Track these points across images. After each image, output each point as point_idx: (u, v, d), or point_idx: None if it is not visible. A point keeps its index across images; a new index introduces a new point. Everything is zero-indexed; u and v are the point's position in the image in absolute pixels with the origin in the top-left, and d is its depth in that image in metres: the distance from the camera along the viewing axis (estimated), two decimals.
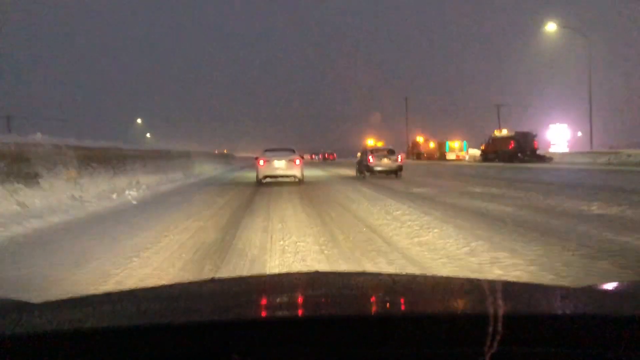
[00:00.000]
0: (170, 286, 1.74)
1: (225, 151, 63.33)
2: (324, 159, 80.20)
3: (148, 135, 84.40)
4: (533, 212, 7.48)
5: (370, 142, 54.99)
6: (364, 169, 19.02)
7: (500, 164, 32.85)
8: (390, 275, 1.99)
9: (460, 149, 51.61)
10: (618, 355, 0.83)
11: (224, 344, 0.85)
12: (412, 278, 1.81)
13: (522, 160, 34.77)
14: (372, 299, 1.21)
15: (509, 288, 1.32)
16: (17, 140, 7.94)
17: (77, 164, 9.32)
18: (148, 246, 5.23)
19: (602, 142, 36.79)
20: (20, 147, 7.76)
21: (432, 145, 54.71)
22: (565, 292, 1.30)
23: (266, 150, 15.63)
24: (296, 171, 15.06)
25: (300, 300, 1.23)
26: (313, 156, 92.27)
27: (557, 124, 53.94)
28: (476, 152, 44.96)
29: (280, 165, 14.97)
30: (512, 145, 36.88)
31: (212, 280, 1.56)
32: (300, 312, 1.10)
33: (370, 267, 4.22)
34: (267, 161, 14.95)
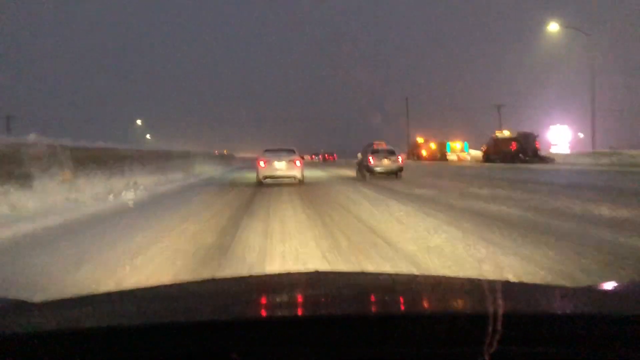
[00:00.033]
0: (170, 286, 1.76)
1: (225, 152, 63.07)
2: (324, 159, 79.98)
3: (148, 136, 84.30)
4: (542, 215, 7.24)
5: (371, 142, 54.77)
6: (364, 169, 18.88)
7: (502, 165, 32.58)
8: (390, 274, 1.98)
9: (462, 150, 51.33)
10: (618, 354, 0.82)
11: (223, 344, 0.84)
12: (412, 278, 1.83)
13: (523, 161, 34.49)
14: (372, 299, 1.20)
15: (509, 288, 1.31)
16: (8, 141, 7.71)
17: (73, 165, 9.08)
18: (141, 251, 5.00)
19: (602, 142, 36.53)
20: (12, 147, 7.53)
21: (433, 146, 54.43)
22: (565, 292, 1.31)
23: (266, 151, 15.52)
24: (296, 172, 14.99)
25: (300, 299, 1.22)
26: (313, 157, 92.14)
27: (558, 125, 53.78)
28: (477, 153, 44.68)
29: (280, 166, 14.89)
30: (514, 146, 36.59)
31: (212, 280, 1.61)
32: (300, 311, 1.09)
33: None
34: (268, 162, 14.88)
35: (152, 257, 4.68)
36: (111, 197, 9.87)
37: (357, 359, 0.85)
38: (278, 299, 1.23)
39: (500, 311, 0.82)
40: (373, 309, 1.12)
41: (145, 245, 5.27)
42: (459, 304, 1.12)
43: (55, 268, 4.32)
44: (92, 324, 0.97)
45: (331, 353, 0.84)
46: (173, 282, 2.71)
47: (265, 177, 14.99)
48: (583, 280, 3.63)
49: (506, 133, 39.86)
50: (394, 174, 18.28)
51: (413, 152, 56.80)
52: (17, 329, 0.93)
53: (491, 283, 1.28)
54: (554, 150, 45.13)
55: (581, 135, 56.26)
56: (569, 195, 10.13)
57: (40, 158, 7.96)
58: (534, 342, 0.84)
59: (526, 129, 39.34)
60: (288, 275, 1.78)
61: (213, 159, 34.26)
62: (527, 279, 3.66)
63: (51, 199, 7.84)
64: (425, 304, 1.15)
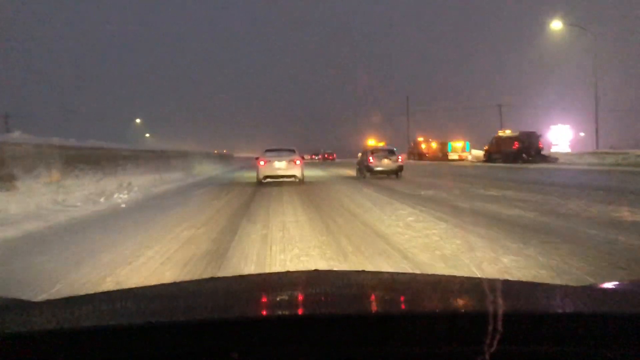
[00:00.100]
0: (170, 285, 1.75)
1: (225, 151, 62.70)
2: (324, 159, 79.64)
3: (147, 135, 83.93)
4: (559, 219, 6.78)
5: (372, 142, 54.35)
6: (364, 169, 18.91)
7: (505, 165, 32.14)
8: (390, 273, 1.97)
9: (463, 150, 50.85)
10: (618, 353, 0.82)
11: (223, 343, 0.84)
12: (412, 277, 1.84)
13: (526, 161, 34.06)
14: (372, 298, 1.19)
15: (509, 287, 1.29)
16: None
17: (61, 165, 8.59)
18: (129, 260, 4.54)
19: (603, 142, 36.10)
20: None
21: (434, 145, 53.97)
22: (565, 291, 1.29)
23: (267, 151, 15.54)
24: (296, 171, 14.94)
25: (300, 298, 1.21)
26: (313, 156, 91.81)
27: (559, 125, 53.46)
28: (479, 153, 44.18)
29: (280, 166, 14.86)
30: (517, 145, 36.13)
31: (212, 279, 1.67)
32: (300, 310, 1.08)
33: None
34: (268, 161, 14.90)
35: (139, 268, 4.21)
36: (102, 199, 9.38)
37: (357, 358, 0.84)
38: (278, 298, 1.21)
39: (501, 310, 0.82)
40: (373, 308, 1.10)
41: (133, 254, 4.80)
42: (459, 303, 1.11)
43: (18, 287, 3.84)
44: (92, 323, 0.96)
45: (331, 352, 0.84)
46: (173, 282, 2.68)
47: (266, 177, 14.91)
48: None
49: (509, 132, 39.41)
50: (394, 173, 18.28)
51: (414, 151, 56.32)
52: (17, 328, 0.92)
53: (491, 282, 1.27)
54: (554, 149, 44.73)
55: (583, 134, 55.98)
56: (582, 197, 9.67)
57: (25, 157, 7.48)
58: (534, 342, 0.84)
59: (527, 128, 38.91)
60: (288, 274, 1.73)
61: (212, 159, 33.78)
62: None
63: (36, 202, 7.35)
64: (426, 303, 1.13)
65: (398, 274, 2.11)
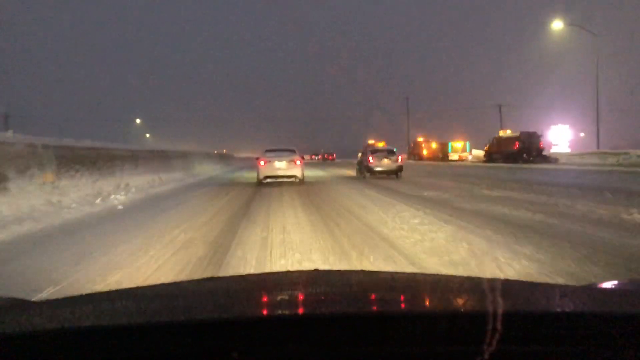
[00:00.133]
0: (170, 284, 1.75)
1: (225, 151, 62.49)
2: (324, 159, 79.53)
3: (147, 135, 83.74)
4: (568, 221, 6.57)
5: (372, 142, 54.11)
6: (364, 169, 18.90)
7: (506, 165, 31.94)
8: (390, 273, 1.97)
9: (463, 150, 50.68)
10: (617, 353, 0.82)
11: (223, 342, 0.84)
12: (412, 276, 1.83)
13: (527, 161, 33.89)
14: (372, 297, 1.18)
15: (508, 286, 1.28)
16: None
17: (56, 166, 8.37)
18: (119, 266, 4.33)
19: (603, 142, 35.91)
20: None
21: (434, 145, 53.77)
22: (565, 291, 1.28)
23: (267, 151, 15.55)
24: (297, 171, 14.95)
25: (300, 298, 1.20)
26: (313, 157, 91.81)
27: (559, 125, 53.35)
28: (479, 153, 43.98)
29: (281, 166, 14.87)
30: (517, 145, 35.97)
31: (212, 278, 1.69)
32: (300, 310, 1.08)
33: None
34: (268, 161, 14.92)
35: (131, 275, 4.00)
36: (99, 200, 9.16)
37: (357, 358, 0.83)
38: (278, 298, 1.21)
39: (500, 310, 0.82)
40: (373, 307, 1.10)
41: (126, 259, 4.60)
42: (458, 303, 1.10)
43: (16, 289, 3.63)
44: (92, 323, 0.96)
45: (331, 352, 0.83)
46: (173, 282, 2.66)
47: (266, 177, 14.94)
48: None
49: (509, 132, 39.23)
50: (394, 173, 18.29)
51: (414, 151, 56.12)
52: (17, 328, 0.91)
53: (491, 282, 1.25)
54: (554, 150, 44.60)
55: (582, 134, 55.83)
56: (588, 198, 9.46)
57: (17, 158, 7.25)
58: (534, 341, 0.83)
59: (527, 128, 38.74)
60: (288, 273, 1.70)
61: (212, 159, 33.53)
62: None
63: (29, 203, 7.12)
64: (425, 303, 1.13)
65: (398, 273, 2.09)
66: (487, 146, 40.90)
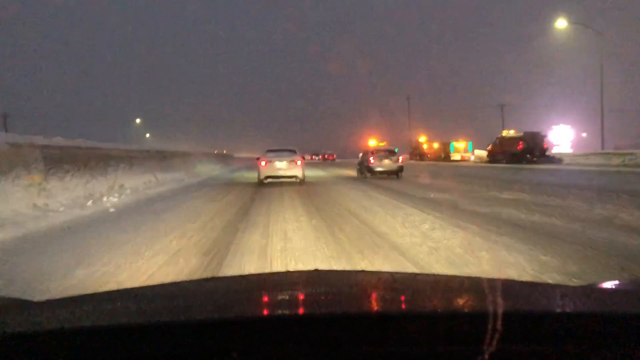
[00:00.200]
0: (170, 284, 1.80)
1: (225, 151, 62.08)
2: (324, 159, 79.25)
3: (147, 135, 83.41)
4: (590, 227, 6.10)
5: (373, 142, 53.64)
6: (365, 169, 18.90)
7: (510, 166, 31.45)
8: (390, 273, 1.96)
9: (465, 150, 50.14)
10: (618, 353, 0.82)
11: (223, 342, 0.84)
12: (412, 276, 1.86)
13: (531, 162, 33.40)
14: (372, 297, 1.18)
15: (509, 286, 1.27)
16: None
17: (44, 166, 7.90)
18: (105, 278, 3.89)
19: (605, 142, 35.48)
20: None
21: (436, 145, 53.27)
22: (565, 291, 1.28)
23: (268, 151, 15.56)
24: (297, 172, 14.96)
25: (300, 298, 1.20)
26: (313, 157, 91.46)
27: (561, 125, 53.00)
28: (482, 153, 43.47)
29: (281, 166, 14.85)
30: (521, 145, 35.44)
31: (212, 278, 1.88)
32: (300, 310, 1.07)
33: None
34: (269, 162, 14.93)
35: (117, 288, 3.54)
36: (90, 202, 8.70)
37: (357, 358, 0.83)
38: (278, 298, 1.20)
39: (500, 310, 0.82)
40: (373, 307, 1.09)
41: (112, 270, 4.14)
42: (458, 303, 1.07)
43: None
44: (92, 323, 0.96)
45: (331, 352, 0.83)
46: (173, 282, 2.63)
47: (267, 177, 14.93)
48: None
49: (512, 132, 38.73)
50: (395, 174, 18.29)
51: (415, 152, 55.62)
52: (17, 328, 0.91)
53: (491, 282, 1.24)
54: (556, 150, 44.19)
55: (584, 135, 55.44)
56: (606, 201, 9.00)
57: (0, 157, 6.78)
58: (534, 341, 0.83)
59: (528, 128, 38.25)
60: (288, 274, 1.68)
61: (211, 159, 33.08)
62: None
63: (13, 207, 6.66)
64: (425, 303, 1.11)
65: (398, 273, 2.05)
66: (490, 146, 40.36)
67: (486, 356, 0.76)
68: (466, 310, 1.00)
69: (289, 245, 5.16)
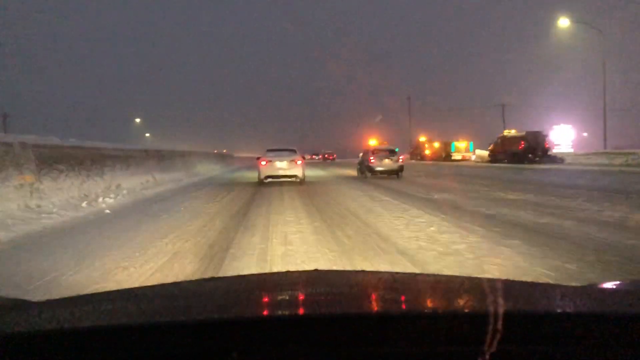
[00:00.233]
0: (170, 285, 1.74)
1: (224, 151, 61.84)
2: (324, 159, 78.98)
3: (147, 135, 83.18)
4: (605, 230, 5.85)
5: (373, 142, 53.39)
6: (365, 169, 18.87)
7: (512, 166, 31.20)
8: (390, 273, 2.00)
9: (467, 150, 49.88)
10: (618, 353, 0.82)
11: (224, 343, 0.84)
12: (413, 276, 1.87)
13: (532, 161, 33.14)
14: (373, 298, 1.19)
15: (509, 287, 1.25)
16: None
17: (36, 166, 7.66)
18: (96, 282, 3.66)
19: (607, 142, 35.23)
20: None
21: (436, 145, 53.00)
22: (565, 291, 1.26)
23: (268, 151, 15.57)
24: (298, 171, 14.93)
25: (300, 298, 1.19)
26: (313, 156, 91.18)
27: (561, 125, 52.78)
28: (483, 153, 43.21)
29: (282, 166, 14.84)
30: (523, 145, 35.16)
31: (212, 278, 1.84)
32: (300, 310, 1.06)
33: None
34: (269, 161, 14.94)
35: None
36: (85, 203, 8.45)
37: (357, 358, 0.83)
38: (278, 298, 1.20)
39: (500, 310, 0.81)
40: (373, 307, 1.09)
41: (102, 276, 3.91)
42: (459, 303, 1.07)
43: None
44: (92, 323, 0.96)
45: (331, 352, 0.83)
46: (173, 282, 2.62)
47: (267, 177, 14.93)
48: None
49: (514, 132, 38.47)
50: (395, 173, 18.26)
51: (416, 151, 55.36)
52: (17, 328, 0.91)
53: (491, 282, 1.27)
54: (557, 150, 43.96)
55: (585, 134, 55.24)
56: (616, 202, 8.76)
57: None
58: (534, 342, 0.83)
59: (529, 128, 37.97)
60: (288, 274, 1.62)
61: (211, 159, 32.83)
62: None
63: (2, 208, 6.42)
64: (425, 303, 1.11)
65: (398, 273, 2.08)
66: (491, 146, 40.09)
67: (486, 356, 0.76)
68: (466, 310, 0.99)
69: (290, 249, 4.92)
